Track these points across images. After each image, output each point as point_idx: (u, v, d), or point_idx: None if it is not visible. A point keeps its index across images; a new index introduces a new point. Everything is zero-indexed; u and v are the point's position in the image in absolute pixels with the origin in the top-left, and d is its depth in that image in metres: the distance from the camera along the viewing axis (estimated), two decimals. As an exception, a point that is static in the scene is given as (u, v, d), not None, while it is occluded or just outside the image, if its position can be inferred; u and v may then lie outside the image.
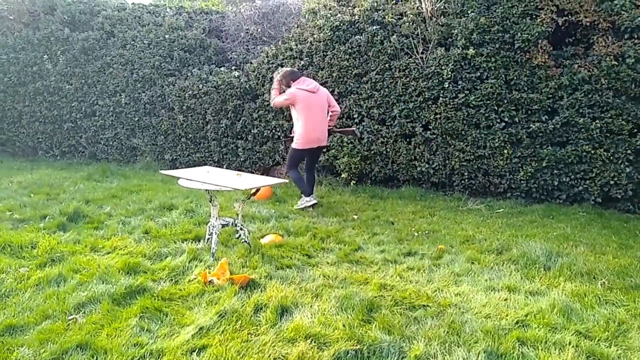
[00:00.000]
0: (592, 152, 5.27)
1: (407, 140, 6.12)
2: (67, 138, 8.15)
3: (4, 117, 8.36)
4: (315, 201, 5.26)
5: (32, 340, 2.61)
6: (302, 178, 5.39)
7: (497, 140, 5.60)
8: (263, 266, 3.56)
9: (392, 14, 5.99)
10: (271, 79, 6.61)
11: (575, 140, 5.34)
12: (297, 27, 6.76)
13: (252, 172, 6.16)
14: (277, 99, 5.21)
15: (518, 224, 4.79)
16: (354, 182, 6.40)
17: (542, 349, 2.55)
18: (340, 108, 6.34)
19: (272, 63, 6.68)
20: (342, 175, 6.43)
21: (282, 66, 6.59)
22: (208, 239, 4.01)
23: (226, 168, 6.78)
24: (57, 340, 2.61)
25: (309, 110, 5.07)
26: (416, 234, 4.53)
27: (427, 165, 6.02)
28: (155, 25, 7.60)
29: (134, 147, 7.81)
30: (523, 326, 2.81)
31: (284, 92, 5.17)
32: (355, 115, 6.28)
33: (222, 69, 7.15)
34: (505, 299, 3.13)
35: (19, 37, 8.01)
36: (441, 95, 5.79)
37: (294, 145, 5.23)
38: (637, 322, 2.84)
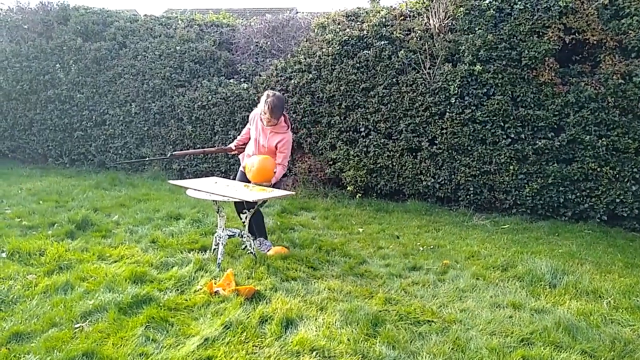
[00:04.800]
0: (598, 169, 5.27)
1: (413, 154, 6.15)
2: (77, 146, 8.24)
3: (15, 124, 8.46)
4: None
5: (39, 347, 2.64)
6: None
7: (503, 156, 5.62)
8: (268, 278, 3.58)
9: (400, 30, 6.05)
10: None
11: (581, 157, 5.34)
12: (306, 41, 6.84)
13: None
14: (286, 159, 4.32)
15: (523, 241, 4.78)
16: (360, 195, 6.42)
17: (546, 368, 2.55)
18: (348, 121, 6.43)
19: (281, 76, 6.75)
20: (348, 188, 6.45)
21: (290, 79, 6.66)
22: (214, 249, 4.04)
23: (233, 179, 6.82)
24: (64, 348, 2.64)
25: None
26: (421, 248, 4.54)
27: (432, 180, 6.03)
28: (167, 37, 7.71)
29: (143, 156, 7.88)
30: (528, 344, 2.81)
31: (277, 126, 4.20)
32: (362, 129, 6.32)
33: (231, 81, 7.24)
34: (511, 316, 3.13)
35: (32, 46, 8.13)
36: (448, 110, 5.82)
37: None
38: (643, 343, 2.82)
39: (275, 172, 4.09)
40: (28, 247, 3.97)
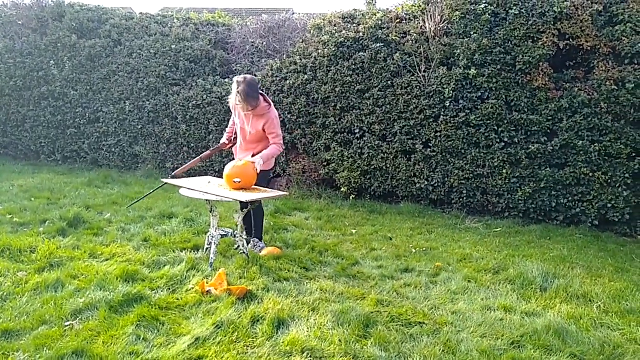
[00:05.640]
0: (591, 174, 5.31)
1: (407, 156, 6.16)
2: (70, 143, 8.19)
3: (8, 120, 8.40)
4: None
5: (28, 345, 2.62)
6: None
7: (496, 160, 5.65)
8: (261, 278, 3.57)
9: (396, 33, 6.07)
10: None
11: (574, 162, 5.38)
12: (302, 42, 6.85)
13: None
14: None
15: (515, 244, 4.81)
16: (354, 196, 6.42)
17: (536, 371, 2.56)
18: (342, 123, 6.44)
19: (277, 76, 6.75)
20: (342, 190, 6.46)
21: (285, 80, 6.66)
22: (207, 249, 4.03)
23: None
24: (53, 346, 2.62)
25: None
26: (414, 250, 4.55)
27: (426, 182, 6.05)
28: (162, 36, 7.69)
29: (136, 154, 7.84)
30: (518, 347, 2.82)
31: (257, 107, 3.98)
32: (357, 131, 6.33)
33: (226, 80, 7.23)
34: (501, 319, 3.14)
35: (27, 42, 8.08)
36: (442, 113, 5.85)
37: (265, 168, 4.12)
38: (632, 347, 2.85)
39: (257, 170, 3.89)
40: (19, 244, 3.94)
